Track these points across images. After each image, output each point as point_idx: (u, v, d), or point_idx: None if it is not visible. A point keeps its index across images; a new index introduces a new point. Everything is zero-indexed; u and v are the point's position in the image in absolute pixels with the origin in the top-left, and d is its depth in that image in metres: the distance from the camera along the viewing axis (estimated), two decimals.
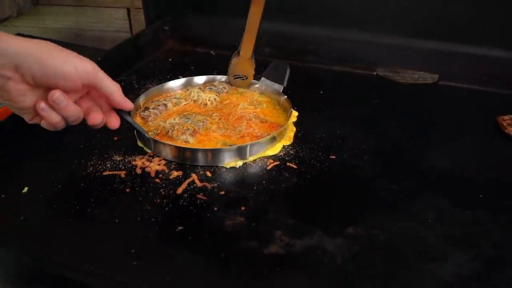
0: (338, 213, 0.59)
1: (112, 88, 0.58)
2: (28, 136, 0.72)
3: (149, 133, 0.70)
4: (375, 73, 0.98)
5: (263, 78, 0.83)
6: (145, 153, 0.69)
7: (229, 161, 0.66)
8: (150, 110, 0.76)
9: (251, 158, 0.68)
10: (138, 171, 0.65)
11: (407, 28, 0.95)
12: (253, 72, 0.82)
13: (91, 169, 0.66)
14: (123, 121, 0.63)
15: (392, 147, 0.72)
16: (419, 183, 0.64)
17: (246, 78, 0.82)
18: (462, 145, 0.73)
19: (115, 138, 0.72)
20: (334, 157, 0.69)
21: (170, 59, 1.05)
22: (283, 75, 0.83)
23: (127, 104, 0.61)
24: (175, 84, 0.83)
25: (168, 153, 0.67)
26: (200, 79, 0.85)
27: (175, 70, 0.97)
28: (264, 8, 0.75)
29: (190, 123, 0.72)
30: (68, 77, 0.53)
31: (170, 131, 0.71)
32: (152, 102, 0.79)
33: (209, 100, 0.79)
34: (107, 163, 0.67)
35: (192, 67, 1.00)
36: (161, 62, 1.04)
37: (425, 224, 0.56)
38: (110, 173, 0.65)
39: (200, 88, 0.83)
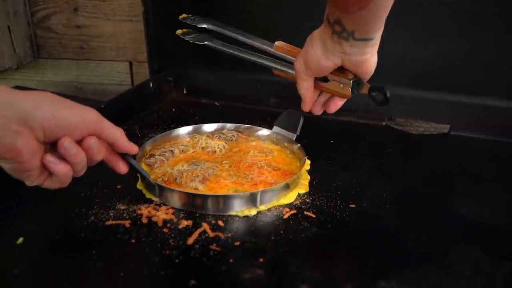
0: (366, 265, 0.53)
1: (117, 135, 0.55)
2: (24, 185, 0.67)
3: (158, 179, 0.65)
4: (384, 123, 0.96)
5: (275, 127, 0.80)
6: (151, 201, 0.64)
7: (242, 209, 0.62)
8: (156, 157, 0.72)
9: (263, 207, 0.63)
10: (144, 220, 0.60)
11: (416, 79, 0.95)
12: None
13: (92, 218, 0.60)
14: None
15: (414, 196, 0.68)
16: (448, 233, 0.59)
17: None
18: (486, 193, 0.69)
19: (118, 186, 0.68)
20: (354, 205, 0.64)
21: (174, 109, 1.02)
22: (296, 124, 0.79)
23: (132, 148, 0.58)
24: (183, 131, 0.80)
25: (175, 200, 0.62)
26: (209, 127, 0.82)
27: (180, 120, 0.94)
28: None
29: (200, 170, 0.68)
30: (77, 127, 0.50)
31: (178, 178, 0.66)
32: (158, 148, 0.75)
33: (218, 147, 0.76)
34: (110, 212, 0.62)
35: (196, 117, 0.97)
36: (165, 112, 1.01)
37: (463, 278, 0.51)
38: (114, 222, 0.60)
39: (208, 136, 0.80)
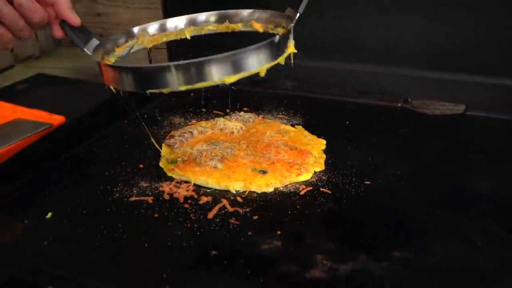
0: (380, 237, 0.55)
1: None
2: (52, 165, 0.70)
3: (178, 159, 0.68)
4: (399, 104, 0.96)
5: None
6: (172, 179, 0.67)
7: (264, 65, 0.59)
8: (176, 138, 0.74)
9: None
10: (166, 196, 0.63)
11: (431, 59, 0.95)
12: None
13: (117, 195, 0.63)
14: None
15: (430, 174, 0.69)
16: (464, 207, 0.60)
17: None
18: (503, 172, 0.70)
19: (141, 166, 0.71)
20: (369, 182, 0.66)
21: (191, 94, 1.04)
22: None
23: (74, 19, 0.58)
24: (172, 24, 0.73)
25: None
26: (208, 16, 0.75)
27: (198, 103, 0.96)
28: None
29: (218, 150, 0.70)
30: None
31: (198, 157, 0.69)
32: (177, 130, 0.78)
33: (236, 129, 0.78)
34: (134, 189, 0.65)
35: (214, 101, 0.99)
36: (183, 96, 1.03)
37: (476, 248, 0.53)
38: (137, 199, 0.62)
39: (226, 118, 0.82)
